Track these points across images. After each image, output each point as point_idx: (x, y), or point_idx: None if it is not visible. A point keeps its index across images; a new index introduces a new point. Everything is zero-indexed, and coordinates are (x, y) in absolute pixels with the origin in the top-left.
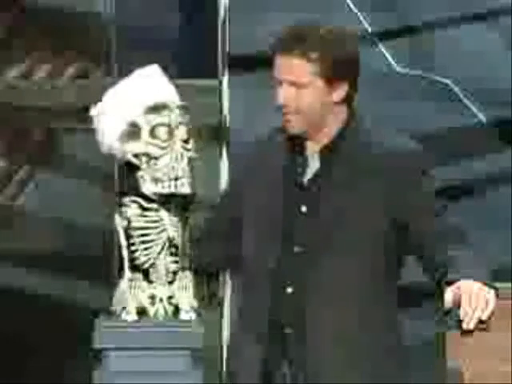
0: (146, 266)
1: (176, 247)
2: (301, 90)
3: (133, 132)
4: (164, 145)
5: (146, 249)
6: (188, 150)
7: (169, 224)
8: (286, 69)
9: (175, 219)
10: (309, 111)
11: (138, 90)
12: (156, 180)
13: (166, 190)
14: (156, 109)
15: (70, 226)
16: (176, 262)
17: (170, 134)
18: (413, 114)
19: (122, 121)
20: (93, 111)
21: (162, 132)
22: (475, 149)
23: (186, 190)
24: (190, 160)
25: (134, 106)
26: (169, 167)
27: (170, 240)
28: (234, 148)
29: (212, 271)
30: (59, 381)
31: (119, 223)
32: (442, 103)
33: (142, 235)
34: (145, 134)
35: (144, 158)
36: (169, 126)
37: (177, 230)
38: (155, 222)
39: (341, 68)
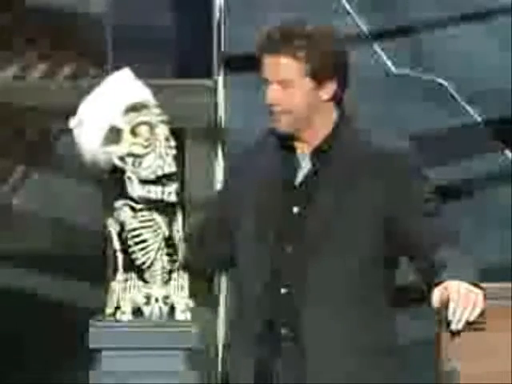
0: (144, 266)
1: (171, 246)
2: (289, 89)
3: (114, 135)
4: (146, 143)
5: (142, 249)
6: (171, 147)
7: (162, 223)
8: (273, 68)
9: (168, 218)
10: (297, 110)
11: (114, 93)
12: (143, 181)
13: (152, 196)
14: (134, 108)
15: (69, 226)
16: (172, 261)
17: (152, 132)
18: (413, 114)
19: (102, 126)
20: (71, 123)
21: (143, 130)
22: (475, 149)
23: (172, 198)
24: (175, 158)
25: (112, 109)
26: (154, 165)
27: (165, 239)
28: (234, 148)
29: (207, 272)
30: (58, 381)
31: (112, 227)
32: (442, 103)
33: (137, 236)
34: (126, 134)
35: (129, 159)
36: (149, 124)
37: (171, 229)
38: (148, 221)
39: (328, 66)
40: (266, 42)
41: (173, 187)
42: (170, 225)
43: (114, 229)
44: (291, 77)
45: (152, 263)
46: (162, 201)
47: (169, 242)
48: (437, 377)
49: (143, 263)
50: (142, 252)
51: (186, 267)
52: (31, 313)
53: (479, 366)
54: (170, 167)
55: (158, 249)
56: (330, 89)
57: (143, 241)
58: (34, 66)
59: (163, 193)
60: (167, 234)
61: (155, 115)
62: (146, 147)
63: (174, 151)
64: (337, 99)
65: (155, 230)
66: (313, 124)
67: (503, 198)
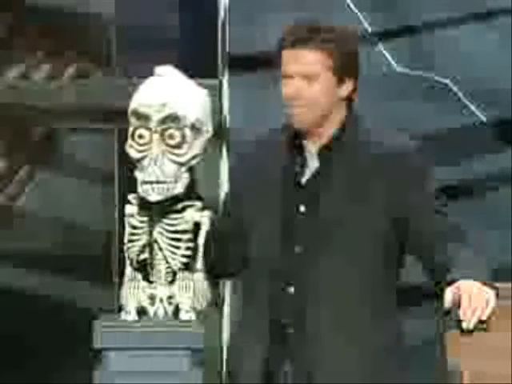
0: (148, 265)
1: (176, 247)
2: (312, 82)
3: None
4: (142, 148)
5: (145, 247)
6: (174, 154)
7: (168, 223)
8: (299, 61)
9: (174, 218)
10: (318, 105)
11: (141, 89)
12: (141, 182)
13: (142, 194)
14: (136, 112)
15: (69, 226)
16: (176, 261)
17: (150, 137)
18: (413, 114)
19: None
20: None
21: (137, 135)
22: (475, 149)
23: (152, 197)
24: (182, 164)
25: (131, 106)
26: (150, 170)
27: (170, 240)
28: (234, 148)
29: (221, 273)
30: (59, 381)
31: (123, 220)
32: (442, 103)
33: (142, 234)
34: (129, 135)
35: (132, 159)
36: (149, 129)
37: (176, 230)
38: (153, 221)
39: (349, 64)
40: (292, 36)
41: (160, 187)
42: (175, 225)
43: (126, 223)
44: (316, 70)
45: (156, 263)
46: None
47: (174, 242)
48: (437, 377)
49: (146, 261)
50: (146, 250)
51: (208, 270)
52: (31, 313)
53: (480, 365)
54: (164, 175)
55: (163, 249)
56: (347, 87)
57: (148, 239)
58: (37, 66)
59: (147, 192)
60: (172, 234)
61: (160, 120)
62: (140, 152)
63: (182, 159)
64: (351, 98)
65: (160, 230)
66: (326, 121)
67: (503, 198)
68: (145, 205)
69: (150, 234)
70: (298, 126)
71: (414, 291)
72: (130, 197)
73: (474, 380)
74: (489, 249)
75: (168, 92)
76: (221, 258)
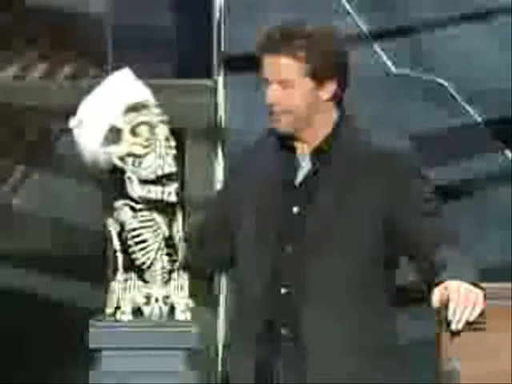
0: (144, 266)
1: (171, 246)
2: (289, 88)
3: (114, 135)
4: (146, 143)
5: (142, 249)
6: (171, 147)
7: (162, 223)
8: (273, 68)
9: (168, 218)
10: (297, 110)
11: (114, 93)
12: (143, 181)
13: (152, 196)
14: (135, 108)
15: (69, 226)
16: (172, 261)
17: (152, 132)
18: (413, 114)
19: (103, 126)
20: (71, 123)
21: (143, 130)
22: (475, 149)
23: (172, 198)
24: (175, 158)
25: (112, 109)
26: (154, 165)
27: (165, 239)
28: (234, 148)
29: (207, 272)
30: (58, 381)
31: (112, 227)
32: (442, 103)
33: (137, 236)
34: (126, 134)
35: (129, 159)
36: (149, 124)
37: (171, 229)
38: (148, 221)
39: (328, 66)
40: (266, 41)
41: (173, 187)
42: (170, 225)
43: (113, 229)
44: (291, 77)
45: (152, 263)
46: (161, 201)
47: (169, 242)
48: (437, 377)
49: (143, 263)
50: (142, 252)
51: (186, 267)
52: (31, 313)
53: (479, 366)
54: (170, 167)
55: (158, 249)
56: (329, 89)
57: (143, 241)
58: (33, 65)
59: (163, 193)
60: (167, 234)
61: (155, 115)
62: (145, 147)
63: (174, 151)
64: (337, 99)
65: (155, 230)
66: (313, 124)
67: (503, 198)
68: (140, 205)
69: (146, 233)
70: (279, 131)
71: (414, 291)
72: (120, 203)
73: (473, 380)
74: (489, 248)
75: (147, 89)
76: (198, 256)
